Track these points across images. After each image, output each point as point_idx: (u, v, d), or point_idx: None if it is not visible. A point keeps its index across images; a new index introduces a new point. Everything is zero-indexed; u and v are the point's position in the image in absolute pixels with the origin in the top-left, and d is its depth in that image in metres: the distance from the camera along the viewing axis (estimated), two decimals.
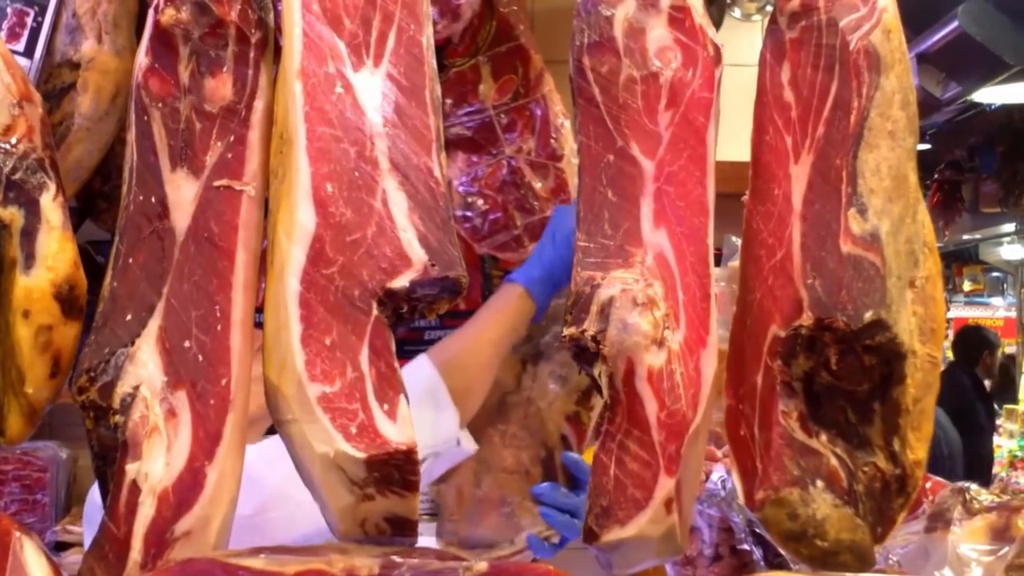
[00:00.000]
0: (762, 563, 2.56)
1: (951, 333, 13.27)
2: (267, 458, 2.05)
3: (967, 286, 14.63)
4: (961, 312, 14.16)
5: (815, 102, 1.65)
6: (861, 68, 1.63)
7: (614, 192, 1.63)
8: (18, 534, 1.49)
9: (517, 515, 2.37)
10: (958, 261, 14.54)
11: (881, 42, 1.64)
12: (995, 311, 15.06)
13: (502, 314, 2.25)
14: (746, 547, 2.61)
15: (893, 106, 1.62)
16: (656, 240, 1.62)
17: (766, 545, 2.62)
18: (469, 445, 2.24)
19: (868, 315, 1.55)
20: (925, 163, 9.23)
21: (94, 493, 2.68)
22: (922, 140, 8.13)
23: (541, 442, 2.38)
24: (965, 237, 11.91)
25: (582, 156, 1.66)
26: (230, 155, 1.63)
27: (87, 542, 2.65)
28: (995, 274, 14.94)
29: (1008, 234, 12.21)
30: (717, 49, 1.69)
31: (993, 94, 6.17)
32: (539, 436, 2.38)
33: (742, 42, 3.80)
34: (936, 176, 9.64)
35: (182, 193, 1.62)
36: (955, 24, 4.50)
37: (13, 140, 1.58)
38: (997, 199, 9.29)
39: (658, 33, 1.67)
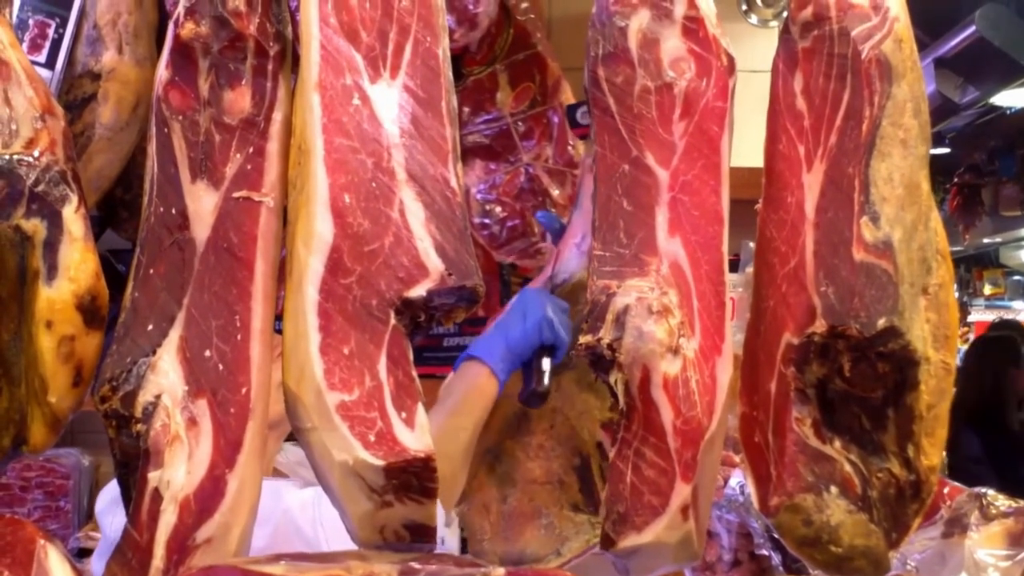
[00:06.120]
0: (781, 568, 2.56)
1: (972, 336, 13.20)
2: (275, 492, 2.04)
3: (988, 290, 14.55)
4: (982, 316, 14.07)
5: (827, 111, 1.66)
6: (873, 77, 1.64)
7: (629, 201, 1.64)
8: (43, 541, 1.51)
9: (557, 526, 2.34)
10: (979, 265, 14.47)
11: (893, 51, 1.65)
12: (1017, 314, 14.96)
13: (472, 398, 2.22)
14: (765, 552, 2.61)
15: (905, 114, 1.63)
16: (671, 249, 1.63)
17: (784, 550, 2.62)
18: (452, 543, 2.20)
19: (881, 322, 1.56)
20: (945, 167, 9.21)
21: (105, 492, 2.70)
22: (941, 144, 8.12)
23: (574, 450, 2.35)
24: (985, 241, 11.86)
25: (597, 166, 1.67)
26: (249, 166, 1.65)
27: (101, 544, 2.67)
28: (1016, 277, 14.85)
29: None
30: (731, 59, 1.70)
31: (1012, 98, 6.15)
32: (570, 445, 2.35)
33: (760, 48, 3.80)
34: (956, 180, 9.61)
35: (202, 204, 1.63)
36: (972, 28, 4.50)
37: (36, 153, 1.59)
38: (1017, 202, 9.27)
39: (672, 44, 1.68)
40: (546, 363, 2.20)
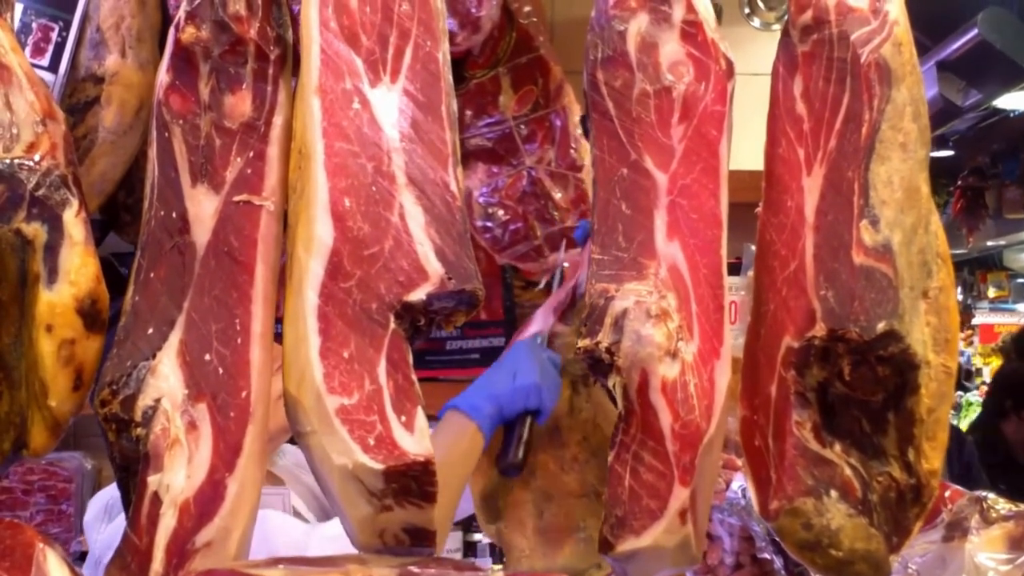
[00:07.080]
0: (783, 572, 2.56)
1: (977, 340, 13.17)
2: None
3: (992, 292, 14.52)
4: (986, 319, 14.04)
5: (827, 115, 1.66)
6: (872, 81, 1.64)
7: (628, 205, 1.64)
8: (41, 545, 1.51)
9: (596, 539, 2.34)
10: (982, 268, 14.45)
11: (892, 55, 1.65)
12: (1021, 317, 14.92)
13: (458, 454, 2.18)
14: (767, 556, 2.60)
15: (904, 118, 1.63)
16: (670, 252, 1.63)
17: (787, 554, 2.61)
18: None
19: (881, 326, 1.56)
20: (948, 170, 9.21)
21: (92, 504, 2.70)
22: (945, 147, 8.12)
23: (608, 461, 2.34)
24: (989, 243, 11.85)
25: (596, 169, 1.67)
26: (250, 170, 1.65)
27: (88, 560, 2.66)
28: (1020, 280, 14.84)
29: None
30: (729, 63, 1.70)
31: (1015, 100, 6.15)
32: (604, 455, 2.33)
33: (762, 51, 3.79)
34: (959, 183, 9.61)
35: (202, 208, 1.63)
36: (975, 31, 4.50)
37: (36, 157, 1.59)
38: (1021, 205, 9.27)
39: (671, 48, 1.68)
40: (525, 432, 2.20)
